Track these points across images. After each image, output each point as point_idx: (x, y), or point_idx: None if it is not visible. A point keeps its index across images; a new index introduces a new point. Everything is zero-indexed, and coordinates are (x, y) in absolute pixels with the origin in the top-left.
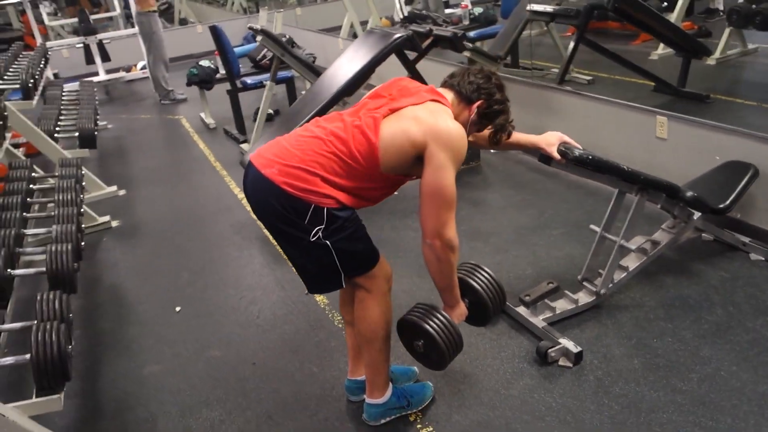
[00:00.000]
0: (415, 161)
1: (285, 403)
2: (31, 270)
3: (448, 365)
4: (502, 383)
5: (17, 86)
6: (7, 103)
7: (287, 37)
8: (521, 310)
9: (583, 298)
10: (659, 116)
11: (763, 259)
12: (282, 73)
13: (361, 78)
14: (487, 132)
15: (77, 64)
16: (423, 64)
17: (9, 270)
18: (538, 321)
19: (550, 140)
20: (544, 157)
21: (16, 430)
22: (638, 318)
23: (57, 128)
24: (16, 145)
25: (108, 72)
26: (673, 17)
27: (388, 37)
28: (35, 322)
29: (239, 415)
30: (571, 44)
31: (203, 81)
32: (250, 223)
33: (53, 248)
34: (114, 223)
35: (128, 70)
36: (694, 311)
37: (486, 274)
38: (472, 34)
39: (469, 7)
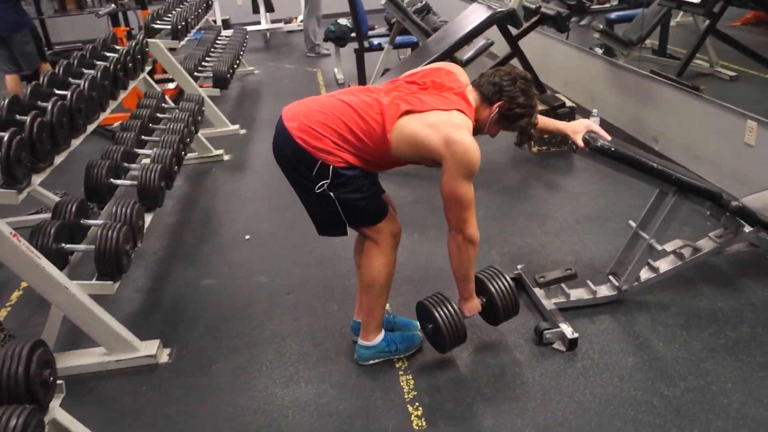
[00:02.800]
0: (430, 162)
1: (299, 330)
2: (127, 182)
3: (448, 351)
4: (492, 353)
5: (170, 27)
6: (157, 41)
7: (423, 2)
8: (537, 291)
9: (603, 291)
10: (750, 120)
11: None
12: (408, 38)
13: (456, 47)
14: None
15: (248, 12)
16: (542, 41)
17: (111, 179)
18: (549, 303)
19: (577, 128)
20: (573, 145)
21: (74, 302)
22: (655, 320)
23: (199, 68)
24: (166, 81)
25: (271, 22)
26: None
27: (488, 11)
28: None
29: (261, 331)
30: (699, 35)
31: (338, 38)
32: None
33: (147, 166)
34: (226, 157)
35: (288, 21)
36: (717, 325)
37: (505, 282)
38: (612, 15)
39: None
